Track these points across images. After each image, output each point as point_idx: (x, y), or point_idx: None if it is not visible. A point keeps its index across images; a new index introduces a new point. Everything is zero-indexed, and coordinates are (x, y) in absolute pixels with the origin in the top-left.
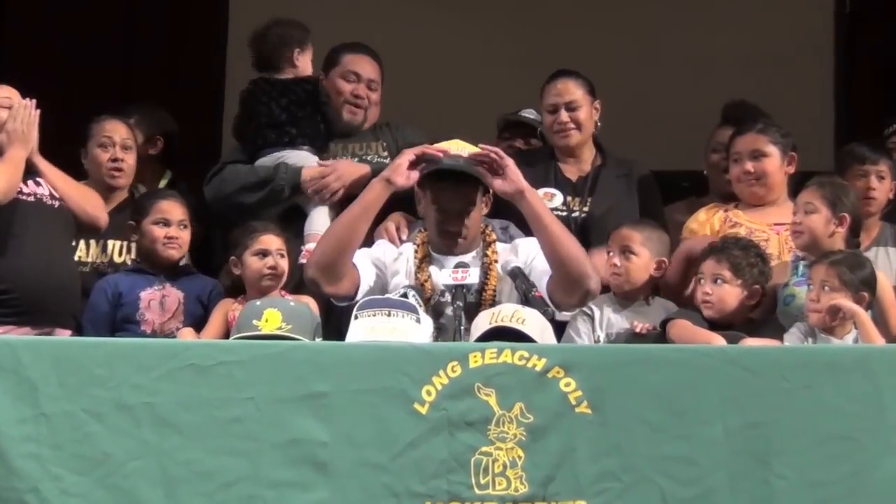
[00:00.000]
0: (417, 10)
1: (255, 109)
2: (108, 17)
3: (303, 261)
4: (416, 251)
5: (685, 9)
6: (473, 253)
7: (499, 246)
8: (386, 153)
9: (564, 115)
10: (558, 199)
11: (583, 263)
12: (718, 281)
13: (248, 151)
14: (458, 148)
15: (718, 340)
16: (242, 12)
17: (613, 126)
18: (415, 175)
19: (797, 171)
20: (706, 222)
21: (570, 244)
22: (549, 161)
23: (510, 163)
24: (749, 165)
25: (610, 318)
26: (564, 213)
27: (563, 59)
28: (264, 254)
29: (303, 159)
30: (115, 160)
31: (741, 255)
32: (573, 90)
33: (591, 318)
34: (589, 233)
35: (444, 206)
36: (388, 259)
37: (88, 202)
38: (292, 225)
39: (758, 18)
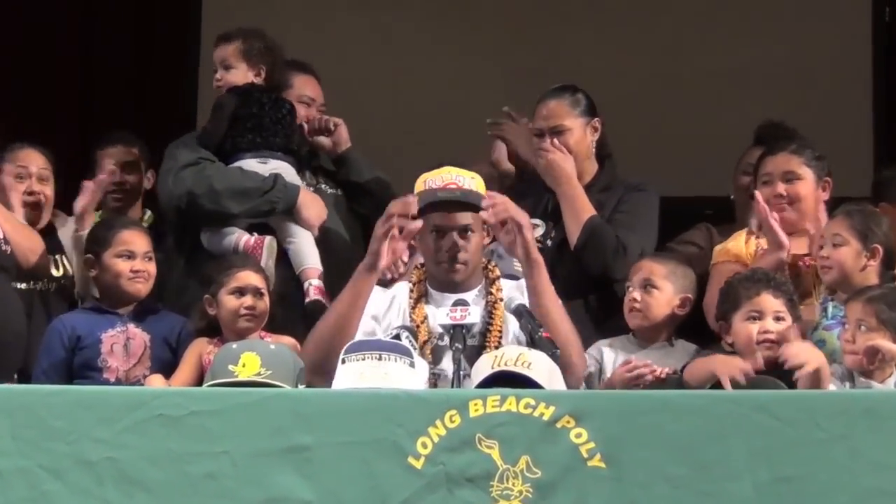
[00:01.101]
0: (418, 29)
1: (246, 113)
2: (64, 37)
3: (316, 297)
4: (411, 290)
5: (707, 22)
6: (476, 291)
7: (503, 282)
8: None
9: (545, 143)
10: (539, 230)
11: (569, 351)
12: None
13: (220, 152)
14: (451, 176)
15: (729, 366)
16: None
17: (630, 149)
18: (401, 248)
19: (832, 197)
20: (746, 245)
21: (565, 329)
22: (543, 191)
23: (525, 222)
24: (781, 188)
25: (621, 358)
26: (541, 245)
27: (574, 77)
28: (241, 292)
29: (292, 175)
30: (30, 193)
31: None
32: (559, 112)
33: (599, 362)
34: (556, 265)
35: (441, 225)
36: (381, 310)
37: (33, 252)
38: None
39: (788, 32)
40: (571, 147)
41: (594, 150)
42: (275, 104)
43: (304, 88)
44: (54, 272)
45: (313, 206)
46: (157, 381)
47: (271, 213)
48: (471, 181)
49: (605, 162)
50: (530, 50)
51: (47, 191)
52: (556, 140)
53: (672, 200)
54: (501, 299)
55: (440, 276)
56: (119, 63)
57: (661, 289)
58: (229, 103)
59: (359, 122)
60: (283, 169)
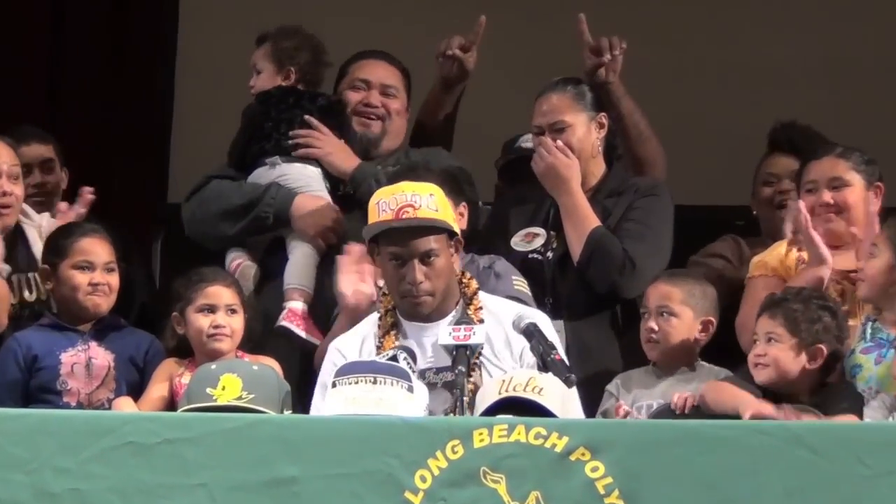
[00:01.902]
0: (420, 6)
1: (264, 119)
2: (32, 37)
3: (283, 323)
4: (379, 322)
5: (734, 11)
6: (450, 316)
7: (497, 302)
8: None
9: (545, 140)
10: (539, 240)
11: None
12: (772, 340)
13: (241, 166)
14: (406, 196)
15: (757, 408)
16: (195, 34)
17: None
18: (370, 291)
19: (884, 206)
20: (786, 258)
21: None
22: (544, 196)
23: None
24: (827, 196)
25: (641, 391)
26: (540, 257)
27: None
28: (211, 309)
29: (302, 176)
30: (2, 194)
31: (800, 308)
32: (561, 107)
33: (616, 397)
34: (557, 280)
35: (399, 253)
36: (352, 357)
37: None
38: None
39: (827, 23)
40: (574, 145)
41: (601, 148)
42: (309, 101)
43: (356, 72)
44: (27, 296)
45: (311, 214)
46: (126, 405)
47: (267, 227)
48: (429, 199)
49: (613, 163)
50: (538, 36)
51: (17, 190)
52: (559, 142)
53: (697, 210)
54: (482, 320)
55: (404, 309)
56: (91, 59)
57: (679, 315)
58: (249, 111)
59: None
60: (292, 174)
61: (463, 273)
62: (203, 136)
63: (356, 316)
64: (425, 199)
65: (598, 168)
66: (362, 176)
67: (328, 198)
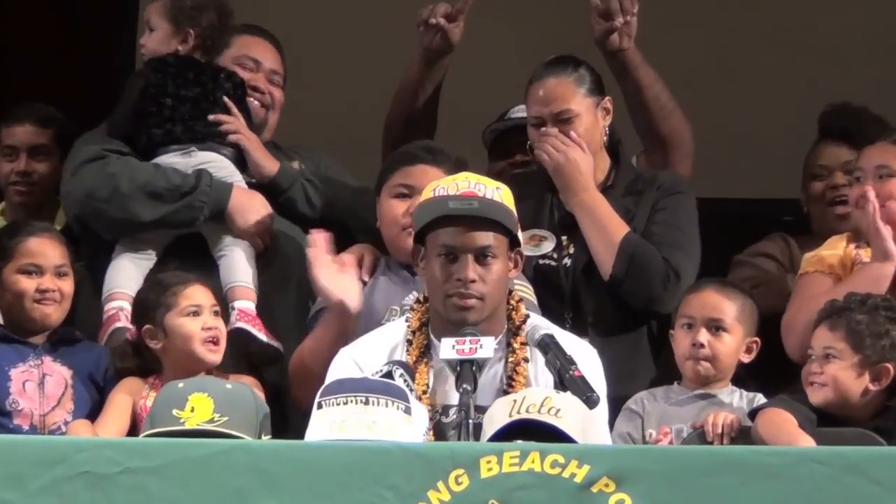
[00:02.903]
0: None
1: (160, 92)
2: None
3: (239, 324)
4: (409, 343)
5: None
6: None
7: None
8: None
9: (552, 132)
10: (548, 244)
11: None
12: (830, 357)
13: (136, 147)
14: (469, 183)
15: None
16: None
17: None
18: (356, 283)
19: None
20: (846, 254)
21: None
22: (544, 191)
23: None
24: (871, 186)
25: (668, 411)
26: (554, 263)
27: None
28: (196, 313)
29: (223, 167)
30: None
31: (865, 320)
32: (563, 93)
33: (640, 415)
34: (579, 292)
35: (453, 246)
36: (372, 364)
37: None
38: (188, 261)
39: None
40: (581, 136)
41: (606, 138)
42: (211, 78)
43: (245, 48)
44: None
45: (251, 210)
46: (82, 429)
47: (195, 220)
48: (495, 192)
49: (618, 153)
50: (552, 13)
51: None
52: (572, 133)
53: (736, 203)
54: (526, 359)
55: (448, 314)
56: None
57: (732, 332)
58: (138, 81)
59: (359, 94)
60: (215, 162)
61: (511, 294)
62: None
63: (345, 313)
64: (491, 191)
65: (604, 161)
66: (290, 177)
67: (257, 192)
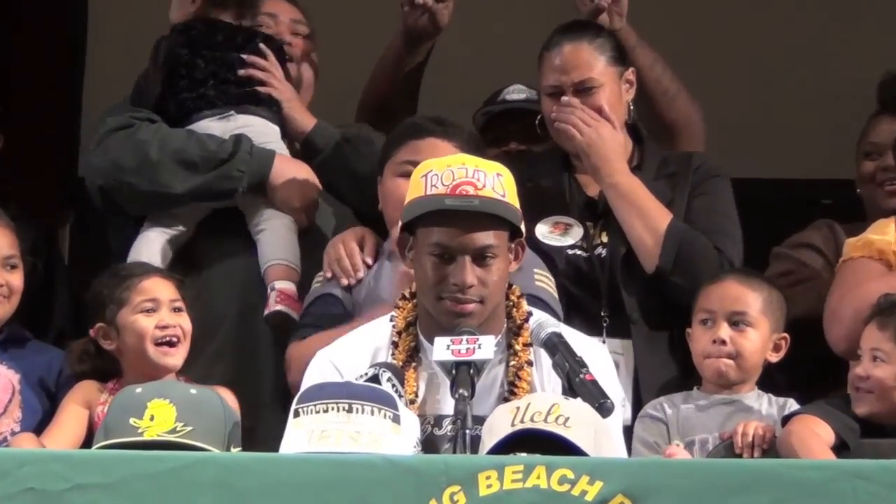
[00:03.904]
0: None
1: (190, 56)
2: None
3: (278, 308)
4: (394, 345)
5: None
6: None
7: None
8: None
9: (575, 103)
10: (576, 231)
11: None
12: (878, 359)
13: (166, 117)
14: (467, 170)
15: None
16: None
17: (716, 123)
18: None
19: None
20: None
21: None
22: (561, 171)
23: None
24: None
25: (690, 419)
26: (585, 254)
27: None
28: (152, 309)
29: (265, 133)
30: None
31: None
32: (584, 60)
33: (664, 422)
34: (618, 287)
35: (448, 246)
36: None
37: None
38: (225, 240)
39: None
40: (605, 108)
41: (627, 116)
42: (246, 41)
43: (264, 8)
44: None
45: (295, 181)
46: (27, 442)
47: (233, 192)
48: (495, 179)
49: (639, 131)
50: None
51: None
52: (603, 107)
53: (770, 185)
54: (530, 362)
55: (440, 317)
56: None
57: (756, 326)
58: (168, 43)
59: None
60: (256, 127)
61: (511, 288)
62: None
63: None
64: (490, 179)
65: (627, 140)
66: (326, 135)
67: (303, 162)
